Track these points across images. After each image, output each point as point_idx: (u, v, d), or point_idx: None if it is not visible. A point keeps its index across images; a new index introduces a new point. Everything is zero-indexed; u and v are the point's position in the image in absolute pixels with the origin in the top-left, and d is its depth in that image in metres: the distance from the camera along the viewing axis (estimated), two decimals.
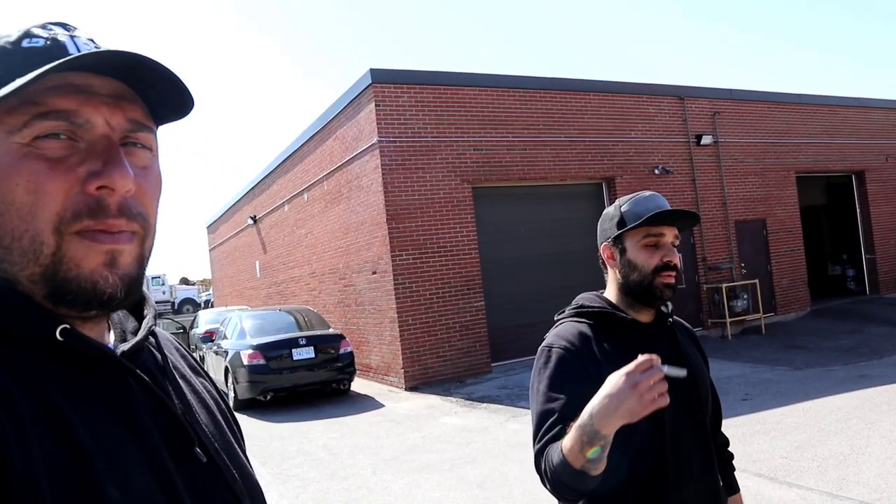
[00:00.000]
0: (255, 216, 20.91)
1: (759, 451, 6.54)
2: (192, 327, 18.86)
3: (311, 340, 11.27)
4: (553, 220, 12.91)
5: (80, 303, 0.73)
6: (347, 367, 11.48)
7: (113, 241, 0.73)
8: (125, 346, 0.80)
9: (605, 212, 1.95)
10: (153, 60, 0.73)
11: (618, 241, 1.85)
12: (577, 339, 1.76)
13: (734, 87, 16.34)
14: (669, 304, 1.91)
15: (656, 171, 14.37)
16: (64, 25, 0.77)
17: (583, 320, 1.83)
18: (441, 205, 11.99)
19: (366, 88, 11.90)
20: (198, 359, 1.01)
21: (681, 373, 1.44)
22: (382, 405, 10.62)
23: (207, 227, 29.90)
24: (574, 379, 1.68)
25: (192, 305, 42.83)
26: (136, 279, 0.76)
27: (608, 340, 1.76)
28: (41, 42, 0.73)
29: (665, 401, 1.41)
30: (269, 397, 10.97)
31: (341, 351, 11.45)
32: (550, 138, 13.13)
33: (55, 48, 0.73)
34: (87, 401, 0.71)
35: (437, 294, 11.87)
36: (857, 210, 18.50)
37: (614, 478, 1.58)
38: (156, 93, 0.77)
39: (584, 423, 1.45)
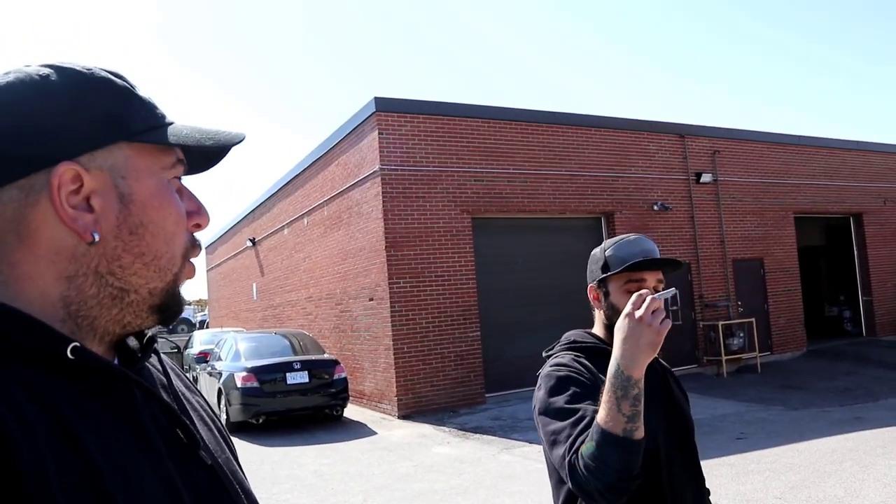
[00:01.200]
0: (254, 238, 20.94)
1: (753, 490, 6.49)
2: (186, 347, 18.75)
3: (305, 365, 11.23)
4: (551, 253, 12.93)
5: (172, 312, 0.87)
6: (341, 393, 11.42)
7: (194, 271, 0.89)
8: (132, 363, 0.87)
9: (592, 252, 1.99)
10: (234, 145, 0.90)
11: (602, 284, 1.90)
12: (577, 363, 1.81)
13: (734, 127, 16.48)
14: None
15: (655, 208, 14.43)
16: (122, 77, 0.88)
17: (575, 354, 1.87)
18: (440, 234, 12.03)
19: (369, 116, 11.99)
20: (190, 378, 1.05)
21: (670, 292, 1.66)
22: (375, 432, 10.55)
23: (206, 248, 29.89)
24: (585, 388, 1.72)
25: (187, 325, 42.65)
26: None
27: (602, 371, 1.75)
28: (143, 93, 0.86)
29: (668, 323, 1.53)
30: (261, 420, 10.89)
31: (335, 376, 11.40)
32: (551, 171, 13.20)
33: (153, 103, 0.87)
34: (96, 416, 0.75)
35: (434, 323, 11.85)
36: (855, 252, 18.56)
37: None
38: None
39: (613, 376, 1.52)
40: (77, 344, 0.74)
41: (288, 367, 11.11)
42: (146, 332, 0.91)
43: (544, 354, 1.96)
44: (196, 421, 0.91)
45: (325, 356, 11.94)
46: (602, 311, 1.92)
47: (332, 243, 14.37)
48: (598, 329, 1.96)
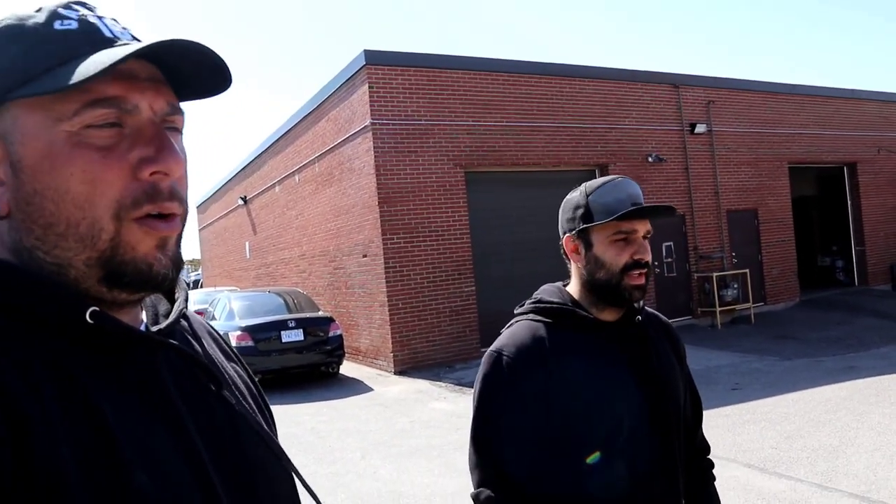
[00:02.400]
0: (245, 197, 20.76)
1: (749, 441, 6.54)
2: None
3: (300, 323, 11.21)
4: (545, 206, 12.73)
5: (136, 284, 0.75)
6: (336, 351, 11.43)
7: (168, 228, 0.75)
8: (157, 328, 0.81)
9: (568, 197, 1.73)
10: (212, 51, 0.75)
11: (583, 233, 1.65)
12: (529, 343, 1.59)
13: (728, 77, 16.29)
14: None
15: (650, 159, 14.32)
16: (84, 4, 0.76)
17: (540, 318, 1.65)
18: (433, 189, 11.91)
19: (359, 70, 11.77)
20: (230, 343, 1.00)
21: None
22: (371, 389, 10.59)
23: (197, 207, 29.70)
24: (511, 403, 1.55)
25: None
26: (180, 258, 0.79)
27: (566, 342, 1.60)
28: (73, 24, 0.73)
29: None
30: (257, 379, 10.91)
31: (330, 334, 11.39)
32: (544, 124, 13.05)
33: (90, 30, 0.73)
34: (116, 385, 0.72)
35: (428, 278, 11.82)
36: (849, 202, 18.55)
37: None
38: (186, 75, 0.78)
39: None
40: (96, 308, 0.71)
41: (283, 325, 11.09)
42: (176, 294, 0.87)
43: (515, 311, 1.73)
44: (228, 393, 0.85)
45: (320, 314, 11.93)
46: (581, 265, 1.66)
47: (324, 200, 14.25)
48: (573, 285, 1.71)
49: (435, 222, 11.89)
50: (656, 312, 1.84)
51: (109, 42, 0.73)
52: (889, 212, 18.59)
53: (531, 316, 1.67)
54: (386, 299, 11.57)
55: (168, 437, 0.73)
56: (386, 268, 11.55)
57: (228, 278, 24.78)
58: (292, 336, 11.04)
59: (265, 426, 0.89)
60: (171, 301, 0.88)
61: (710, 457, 1.88)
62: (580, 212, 1.65)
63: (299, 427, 8.39)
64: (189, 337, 0.89)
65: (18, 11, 0.73)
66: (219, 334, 1.01)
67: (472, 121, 12.32)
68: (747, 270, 14.98)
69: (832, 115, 17.67)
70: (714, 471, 1.88)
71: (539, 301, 1.70)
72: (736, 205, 15.73)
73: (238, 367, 0.98)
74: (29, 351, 0.67)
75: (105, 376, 0.71)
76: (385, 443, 7.42)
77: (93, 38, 0.73)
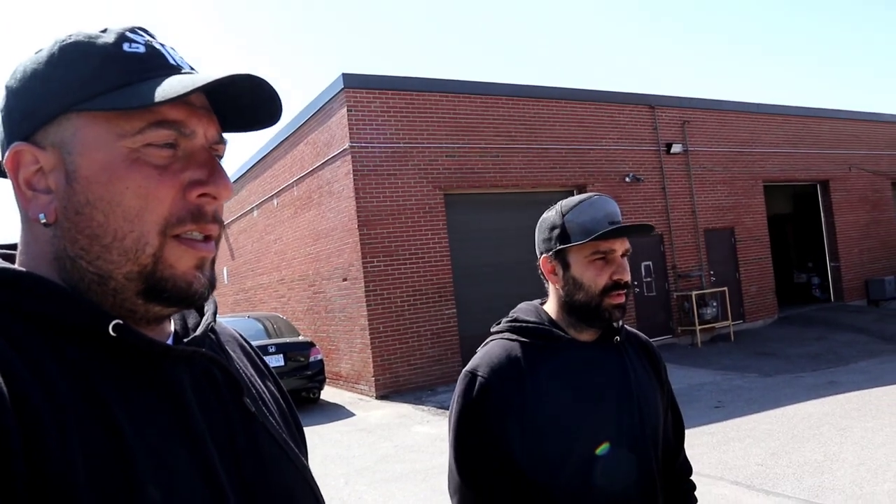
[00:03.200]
0: (222, 221, 20.62)
1: (735, 458, 6.53)
2: None
3: (280, 348, 11.08)
4: (525, 227, 12.73)
5: (174, 300, 0.77)
6: (317, 376, 11.30)
7: (207, 249, 0.78)
8: (186, 339, 0.83)
9: (543, 216, 1.69)
10: (272, 90, 0.78)
11: (560, 254, 1.61)
12: (504, 364, 1.55)
13: (703, 97, 16.51)
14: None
15: (627, 179, 14.43)
16: (146, 31, 0.80)
17: (515, 337, 1.61)
18: (413, 211, 11.90)
19: (338, 93, 11.78)
20: (263, 358, 1.04)
21: None
22: (353, 414, 10.47)
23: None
24: (487, 424, 1.51)
25: None
26: (215, 278, 0.82)
27: (542, 363, 1.56)
28: (141, 48, 0.76)
29: None
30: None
31: (311, 359, 11.27)
32: (522, 145, 13.12)
33: (156, 55, 0.77)
34: (137, 398, 0.72)
35: (409, 301, 11.76)
36: (822, 218, 18.79)
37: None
38: (236, 107, 0.81)
39: None
40: (120, 321, 0.72)
41: (263, 350, 10.79)
42: (205, 307, 0.89)
43: (492, 329, 1.70)
44: (255, 409, 0.85)
45: (300, 338, 11.80)
46: (559, 286, 1.62)
47: (303, 224, 14.17)
48: (551, 305, 1.67)
49: (415, 245, 11.86)
50: (636, 332, 1.80)
51: (173, 69, 0.77)
52: (862, 228, 18.86)
53: (507, 335, 1.64)
54: (367, 323, 11.49)
55: (185, 453, 0.73)
56: (366, 291, 11.48)
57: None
58: (272, 361, 10.89)
59: (290, 442, 0.88)
60: (201, 314, 0.89)
61: (694, 476, 1.83)
62: (556, 232, 1.62)
63: None
64: (217, 351, 0.89)
65: (86, 30, 0.76)
66: (253, 348, 1.02)
67: (451, 143, 12.35)
68: (726, 288, 15.08)
69: (804, 133, 17.95)
70: (701, 489, 1.87)
71: (515, 320, 1.66)
72: (713, 223, 15.87)
73: (269, 382, 0.98)
74: (50, 361, 0.68)
75: (126, 389, 0.72)
76: (369, 468, 7.32)
77: (159, 62, 0.76)
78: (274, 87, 0.79)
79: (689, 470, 1.79)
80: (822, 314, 16.83)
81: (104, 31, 0.76)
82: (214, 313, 0.89)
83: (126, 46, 0.75)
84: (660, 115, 15.22)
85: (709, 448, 6.88)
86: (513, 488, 1.50)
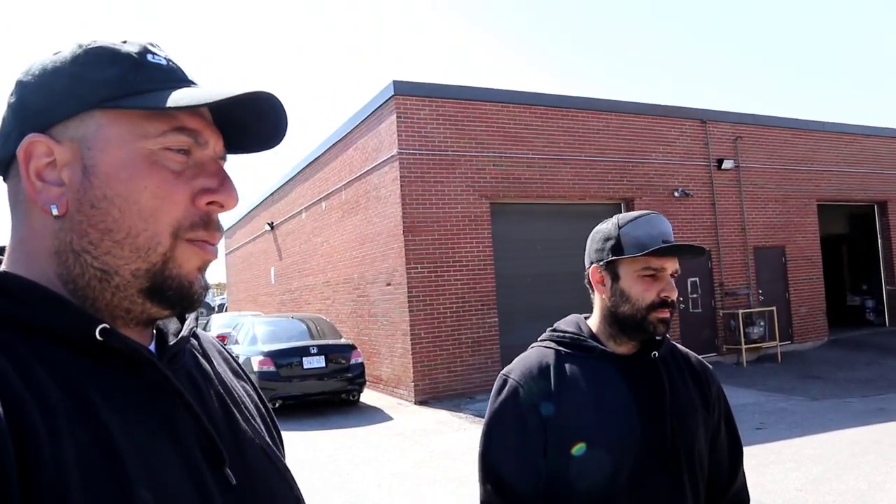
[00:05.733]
0: (272, 223, 20.96)
1: (774, 482, 6.40)
2: (204, 330, 18.84)
3: (322, 350, 11.23)
4: (570, 239, 12.75)
5: (175, 301, 0.79)
6: (357, 378, 11.41)
7: (212, 252, 0.81)
8: (167, 345, 0.85)
9: (598, 228, 1.72)
10: (282, 112, 0.83)
11: (611, 265, 1.64)
12: (534, 369, 1.61)
13: (757, 113, 16.22)
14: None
15: (676, 194, 14.27)
16: (160, 48, 0.84)
17: (553, 346, 1.67)
18: (458, 219, 11.95)
19: (388, 100, 11.91)
20: (239, 361, 1.04)
21: None
22: (391, 418, 10.54)
23: (224, 232, 29.98)
24: (514, 425, 1.57)
25: (206, 308, 42.85)
26: (207, 283, 0.84)
27: (574, 371, 1.60)
28: (162, 61, 0.80)
29: None
30: (277, 405, 10.90)
31: (352, 361, 11.39)
32: (570, 157, 13.07)
33: (174, 69, 0.81)
34: (123, 401, 0.73)
35: (451, 308, 11.81)
36: (879, 240, 18.27)
37: None
38: (236, 127, 0.85)
39: None
40: (106, 325, 0.73)
41: (305, 351, 11.11)
42: (186, 316, 0.90)
43: (538, 340, 1.75)
44: (236, 413, 0.88)
45: (342, 341, 11.94)
46: (605, 297, 1.65)
47: (349, 227, 14.34)
48: (595, 317, 1.70)
49: (459, 252, 11.91)
50: (688, 352, 1.78)
51: (190, 83, 0.81)
52: None
53: (545, 343, 1.70)
54: (408, 328, 11.57)
55: (172, 455, 0.74)
56: (409, 297, 11.57)
57: (253, 303, 24.93)
58: (314, 362, 11.05)
59: (272, 445, 0.90)
60: (181, 320, 0.91)
61: None
62: (610, 243, 1.64)
63: (317, 454, 8.36)
64: (199, 355, 0.91)
65: (106, 40, 0.80)
66: (229, 353, 1.03)
67: (499, 152, 12.38)
68: (774, 308, 14.77)
69: (862, 152, 17.49)
70: None
71: (555, 329, 1.72)
72: (763, 241, 15.57)
73: (247, 386, 0.99)
74: (39, 365, 0.69)
75: (112, 393, 0.73)
76: (403, 473, 7.37)
77: (178, 75, 0.81)
78: (285, 110, 0.82)
79: (743, 501, 1.73)
80: (875, 338, 16.36)
81: (125, 41, 0.80)
82: (196, 318, 0.91)
83: (150, 57, 0.79)
84: (711, 131, 15.01)
85: (747, 470, 6.65)
86: (533, 488, 1.54)
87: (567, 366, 1.61)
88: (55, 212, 0.75)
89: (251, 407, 0.94)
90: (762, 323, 14.60)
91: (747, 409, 9.80)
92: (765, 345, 14.49)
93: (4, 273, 0.75)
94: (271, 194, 21.14)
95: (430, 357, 11.61)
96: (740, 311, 14.29)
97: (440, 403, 11.20)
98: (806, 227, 16.36)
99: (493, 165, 12.31)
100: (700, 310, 14.56)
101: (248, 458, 0.84)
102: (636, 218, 1.64)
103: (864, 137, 17.63)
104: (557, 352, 1.65)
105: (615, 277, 1.63)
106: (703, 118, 14.99)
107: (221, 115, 0.82)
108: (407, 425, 9.91)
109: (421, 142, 11.79)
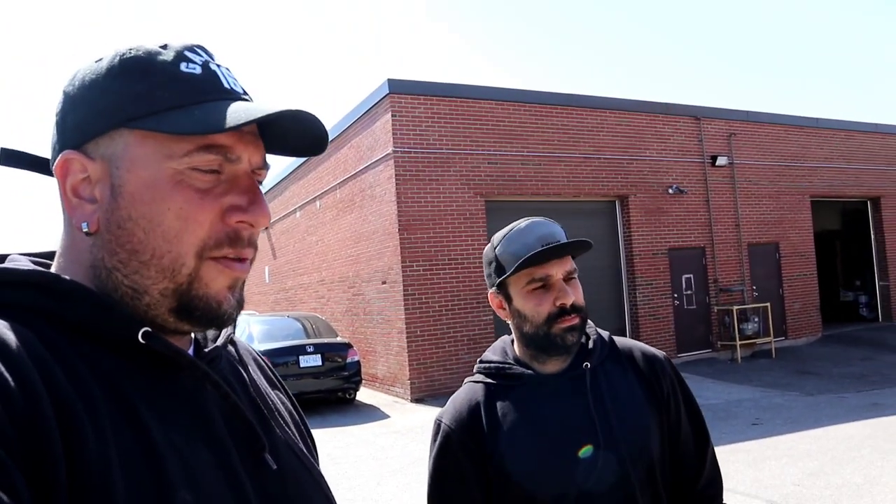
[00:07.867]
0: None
1: (771, 476, 6.43)
2: None
3: (318, 348, 11.22)
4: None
5: (204, 320, 0.78)
6: (354, 377, 11.42)
7: (241, 270, 0.80)
8: (204, 351, 0.85)
9: (484, 252, 1.62)
10: (321, 126, 0.81)
11: (502, 288, 1.53)
12: (465, 412, 1.52)
13: (750, 110, 16.27)
14: (592, 340, 1.58)
15: (670, 191, 14.30)
16: (205, 49, 0.81)
17: (481, 380, 1.57)
18: (453, 217, 11.96)
19: (382, 98, 11.91)
20: (275, 371, 1.06)
21: None
22: (388, 416, 10.55)
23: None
24: (453, 473, 1.50)
25: None
26: (243, 299, 0.84)
27: (504, 402, 1.51)
28: (198, 69, 0.77)
29: None
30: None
31: (348, 360, 11.40)
32: (565, 154, 13.09)
33: (211, 78, 0.78)
34: (163, 403, 0.74)
35: (447, 306, 11.82)
36: (872, 236, 18.36)
37: None
38: (283, 135, 0.83)
39: None
40: (148, 329, 0.74)
41: (301, 350, 11.11)
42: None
43: (475, 367, 1.65)
44: (271, 420, 0.87)
45: (338, 339, 11.94)
46: (510, 321, 1.56)
47: (344, 226, 14.33)
48: (516, 342, 1.61)
49: (454, 250, 11.92)
50: (633, 346, 1.63)
51: (227, 93, 0.78)
52: None
53: (476, 377, 1.61)
54: (404, 326, 11.57)
55: (210, 459, 0.74)
56: (405, 295, 11.57)
57: (247, 302, 24.71)
58: (310, 361, 11.05)
59: (306, 452, 0.90)
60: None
61: (727, 494, 1.65)
62: (493, 266, 1.55)
63: None
64: (236, 363, 0.91)
65: (147, 45, 0.78)
66: (265, 361, 1.03)
67: (493, 150, 12.39)
68: (768, 304, 14.82)
69: (856, 148, 17.57)
70: None
71: (481, 361, 1.63)
72: (757, 238, 15.62)
73: (281, 394, 1.00)
74: (84, 366, 0.69)
75: (154, 395, 0.73)
76: (401, 470, 7.38)
77: (214, 85, 0.77)
78: (322, 123, 0.81)
79: (714, 495, 1.58)
80: (868, 334, 16.44)
81: (164, 46, 0.77)
82: (234, 326, 0.90)
83: (184, 66, 0.76)
84: (706, 127, 15.05)
85: (744, 466, 6.79)
86: None
87: (498, 402, 1.51)
88: (86, 229, 0.76)
89: (285, 415, 0.94)
90: (756, 319, 14.66)
91: (743, 405, 9.84)
92: (759, 341, 14.55)
93: (56, 275, 0.75)
94: (265, 193, 21.07)
95: (425, 355, 11.62)
96: (734, 308, 14.34)
97: (436, 401, 11.21)
98: (799, 224, 16.42)
99: (488, 163, 12.32)
100: (694, 306, 14.61)
101: (284, 466, 0.83)
102: (508, 232, 1.54)
103: (858, 133, 17.70)
104: (487, 386, 1.55)
105: (509, 299, 1.54)
106: (697, 115, 15.02)
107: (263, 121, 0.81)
108: (404, 423, 9.92)
109: (416, 140, 11.79)
